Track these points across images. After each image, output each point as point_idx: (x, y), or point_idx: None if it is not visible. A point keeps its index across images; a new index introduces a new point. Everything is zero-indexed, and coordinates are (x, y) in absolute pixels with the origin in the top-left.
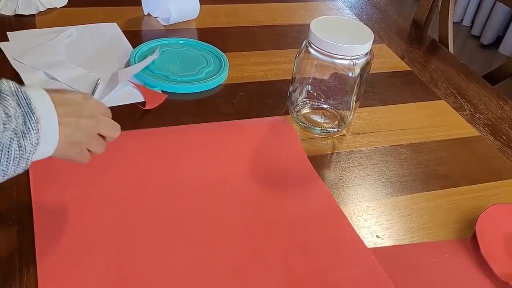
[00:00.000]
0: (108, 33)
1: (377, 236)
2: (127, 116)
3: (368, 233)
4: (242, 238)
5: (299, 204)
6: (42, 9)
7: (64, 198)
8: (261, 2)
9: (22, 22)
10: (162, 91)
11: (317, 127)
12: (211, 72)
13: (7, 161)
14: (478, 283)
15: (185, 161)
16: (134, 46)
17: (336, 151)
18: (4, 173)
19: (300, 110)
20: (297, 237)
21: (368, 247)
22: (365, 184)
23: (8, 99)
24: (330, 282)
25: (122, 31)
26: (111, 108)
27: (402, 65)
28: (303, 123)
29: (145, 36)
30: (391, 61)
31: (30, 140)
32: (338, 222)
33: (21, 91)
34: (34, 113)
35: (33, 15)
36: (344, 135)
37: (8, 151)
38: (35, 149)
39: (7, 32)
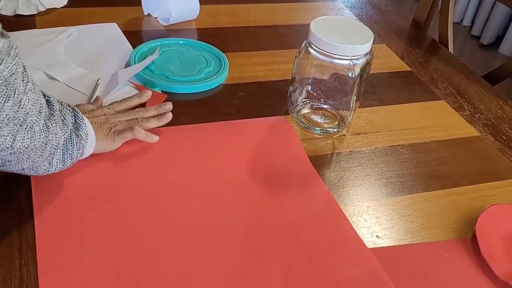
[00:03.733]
0: (108, 33)
1: (377, 236)
2: None
3: (368, 233)
4: (242, 238)
5: (299, 204)
6: (42, 9)
7: (64, 198)
8: (261, 2)
9: (22, 22)
10: (162, 91)
11: (317, 127)
12: (211, 72)
13: (72, 147)
14: (478, 283)
15: (185, 161)
16: (134, 46)
17: (336, 151)
18: (71, 156)
19: (300, 110)
20: (297, 237)
21: (368, 247)
22: (365, 184)
23: (63, 103)
24: (330, 282)
25: (122, 31)
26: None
27: (402, 65)
28: (303, 123)
29: (145, 36)
30: (391, 61)
31: (83, 130)
32: (338, 222)
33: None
34: (79, 112)
35: (33, 15)
36: (344, 135)
37: (71, 140)
38: (87, 138)
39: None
